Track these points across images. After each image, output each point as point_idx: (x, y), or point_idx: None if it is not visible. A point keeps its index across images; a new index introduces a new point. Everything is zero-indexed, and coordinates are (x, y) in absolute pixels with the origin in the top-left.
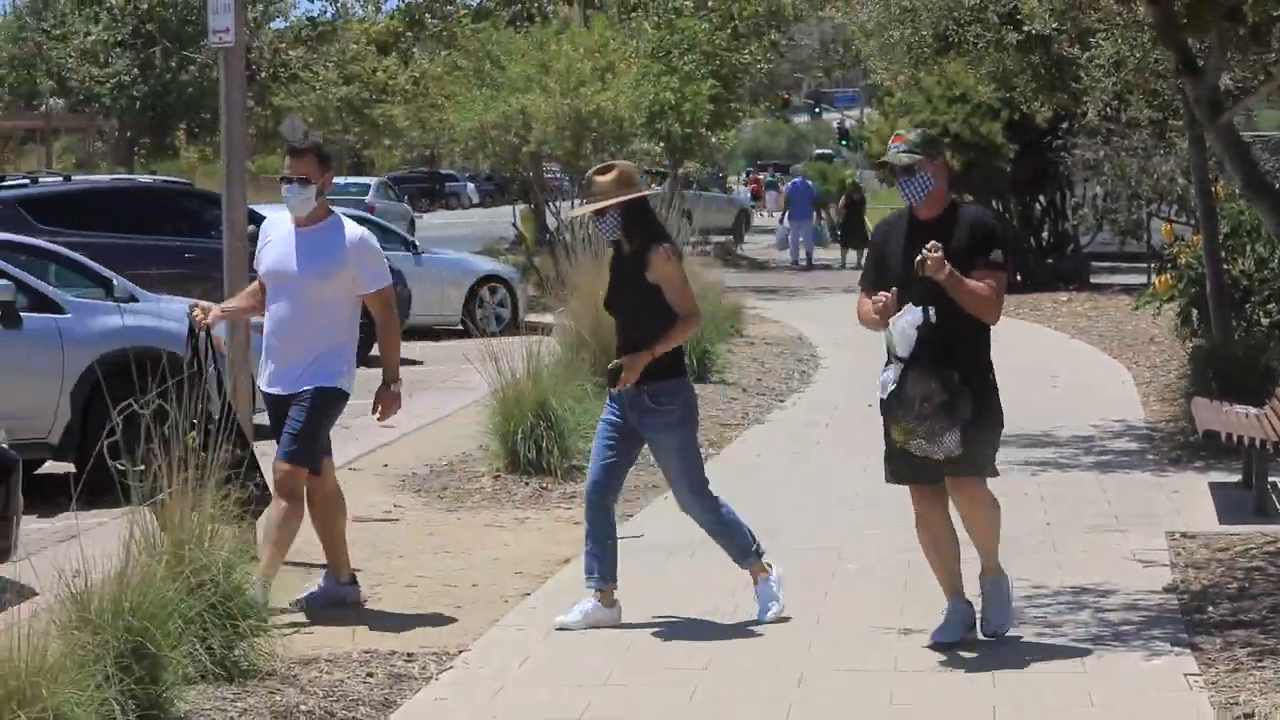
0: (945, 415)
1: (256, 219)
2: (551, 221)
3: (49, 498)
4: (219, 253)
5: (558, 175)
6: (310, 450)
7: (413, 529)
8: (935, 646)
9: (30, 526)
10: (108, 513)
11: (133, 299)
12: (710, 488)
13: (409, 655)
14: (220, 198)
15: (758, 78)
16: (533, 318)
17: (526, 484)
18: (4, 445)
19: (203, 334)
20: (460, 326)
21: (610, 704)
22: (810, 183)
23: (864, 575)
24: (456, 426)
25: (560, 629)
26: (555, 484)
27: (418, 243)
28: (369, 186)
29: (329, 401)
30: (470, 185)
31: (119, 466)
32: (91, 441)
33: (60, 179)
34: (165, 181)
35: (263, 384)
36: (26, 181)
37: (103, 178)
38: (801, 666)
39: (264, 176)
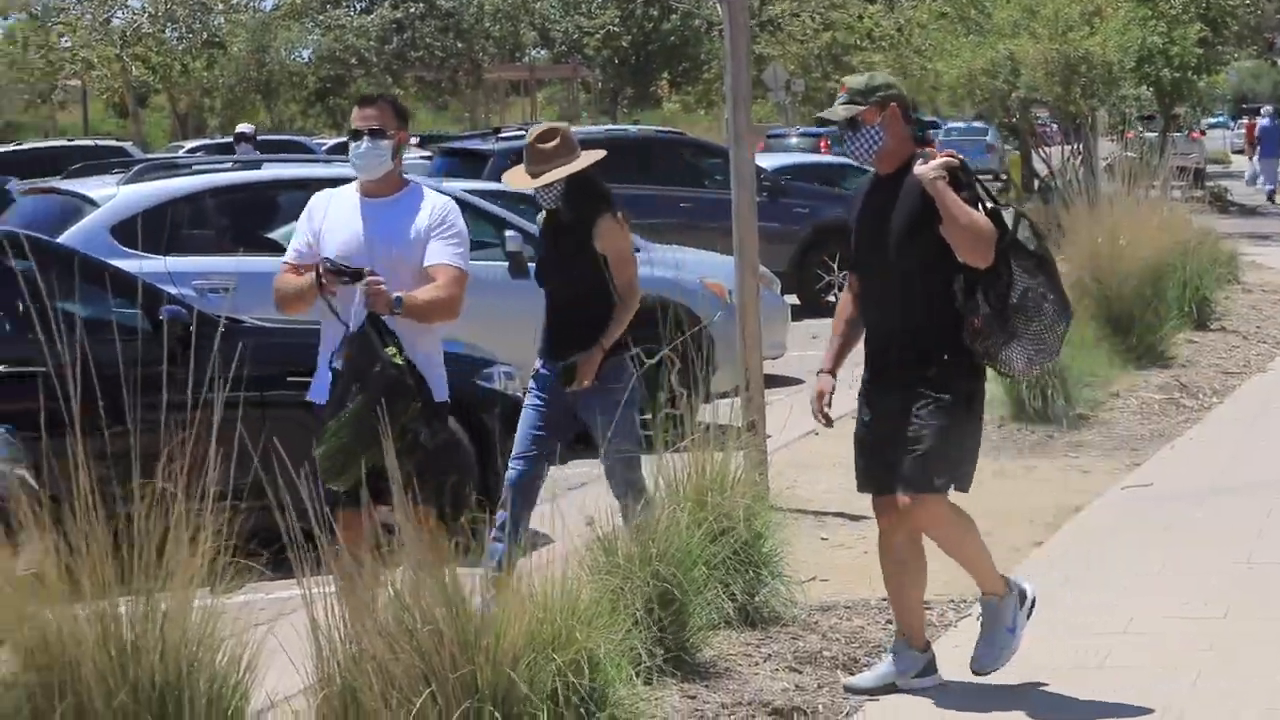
0: (998, 330)
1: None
2: (1040, 167)
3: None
4: (714, 202)
5: (1045, 121)
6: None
7: None
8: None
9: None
10: None
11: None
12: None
13: (926, 603)
14: (713, 147)
15: (1244, 20)
16: None
17: (1032, 432)
18: (519, 394)
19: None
20: None
21: (1132, 651)
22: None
23: None
24: None
25: None
26: (1061, 433)
27: None
28: (987, 129)
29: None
30: None
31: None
32: None
33: None
34: (658, 131)
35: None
36: (522, 133)
37: (596, 128)
38: None
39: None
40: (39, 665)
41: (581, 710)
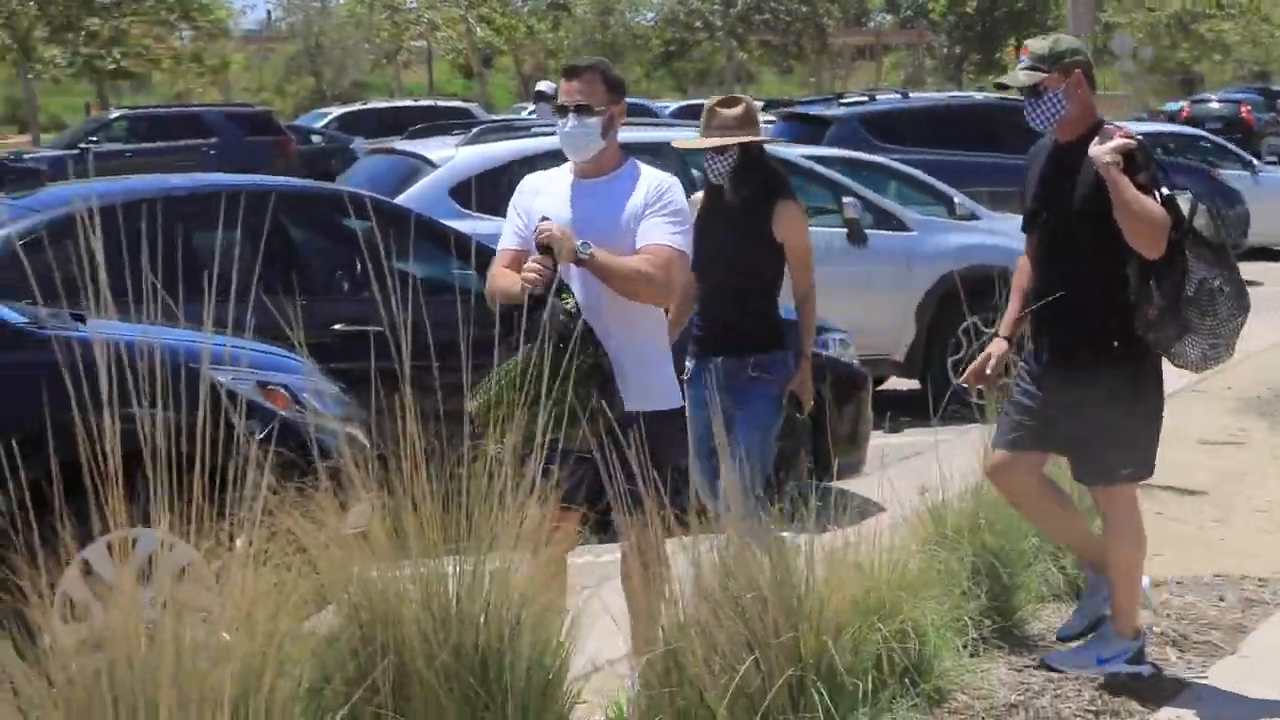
0: (1172, 322)
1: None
2: None
3: (893, 414)
4: None
5: None
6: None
7: (1259, 452)
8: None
9: (875, 442)
10: (952, 429)
11: (974, 217)
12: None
13: (1260, 580)
14: None
15: None
16: None
17: None
18: (854, 361)
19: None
20: None
21: None
22: None
23: None
24: None
25: None
26: None
27: (1255, 160)
28: None
29: (674, 427)
30: None
31: (963, 385)
32: (936, 359)
33: (898, 95)
34: (1003, 99)
35: None
36: (865, 98)
37: (939, 95)
38: None
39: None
40: (362, 623)
41: (906, 680)
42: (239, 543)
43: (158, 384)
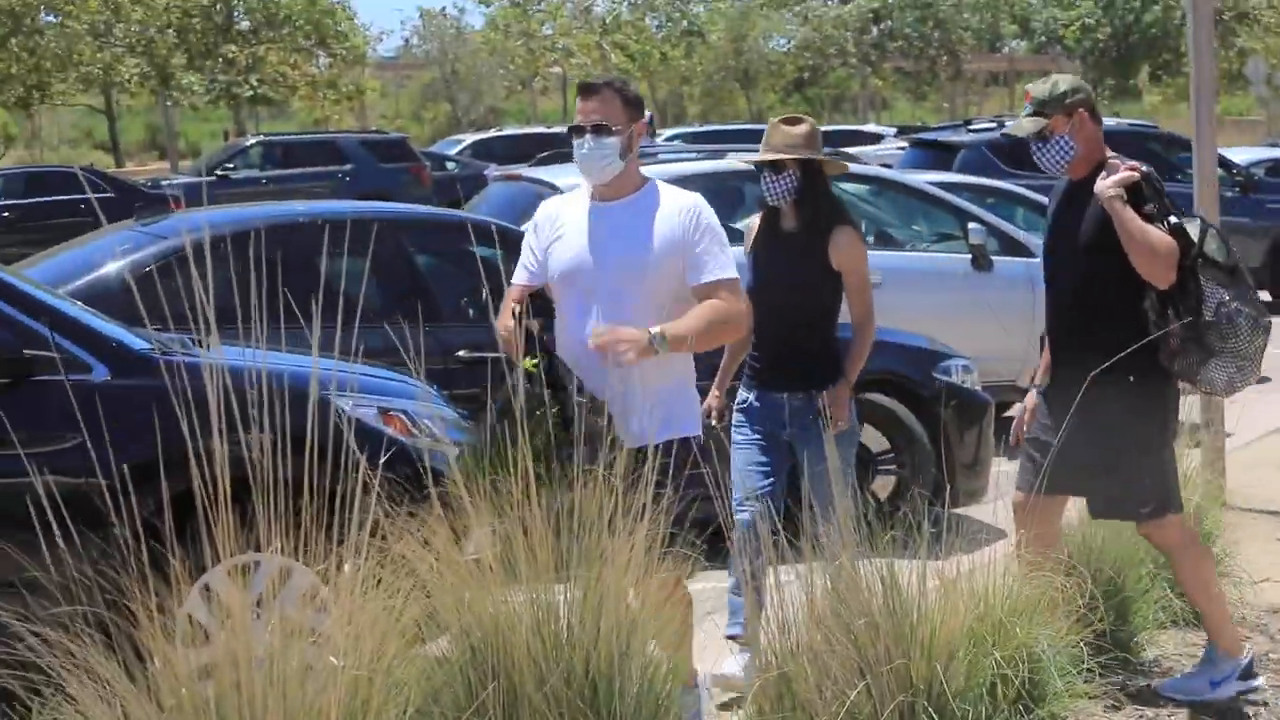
0: (1195, 348)
1: (1224, 163)
2: None
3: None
4: (1185, 197)
5: None
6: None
7: None
8: None
9: (1000, 469)
10: None
11: None
12: None
13: None
14: (1187, 140)
15: None
16: None
17: None
18: (977, 388)
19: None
20: None
21: None
22: None
23: None
24: None
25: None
26: None
27: None
28: None
29: (689, 457)
30: None
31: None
32: None
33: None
34: (1130, 124)
35: None
36: (994, 125)
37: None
38: None
39: (1228, 118)
40: (472, 646)
41: (1019, 706)
42: (346, 566)
43: (278, 410)
